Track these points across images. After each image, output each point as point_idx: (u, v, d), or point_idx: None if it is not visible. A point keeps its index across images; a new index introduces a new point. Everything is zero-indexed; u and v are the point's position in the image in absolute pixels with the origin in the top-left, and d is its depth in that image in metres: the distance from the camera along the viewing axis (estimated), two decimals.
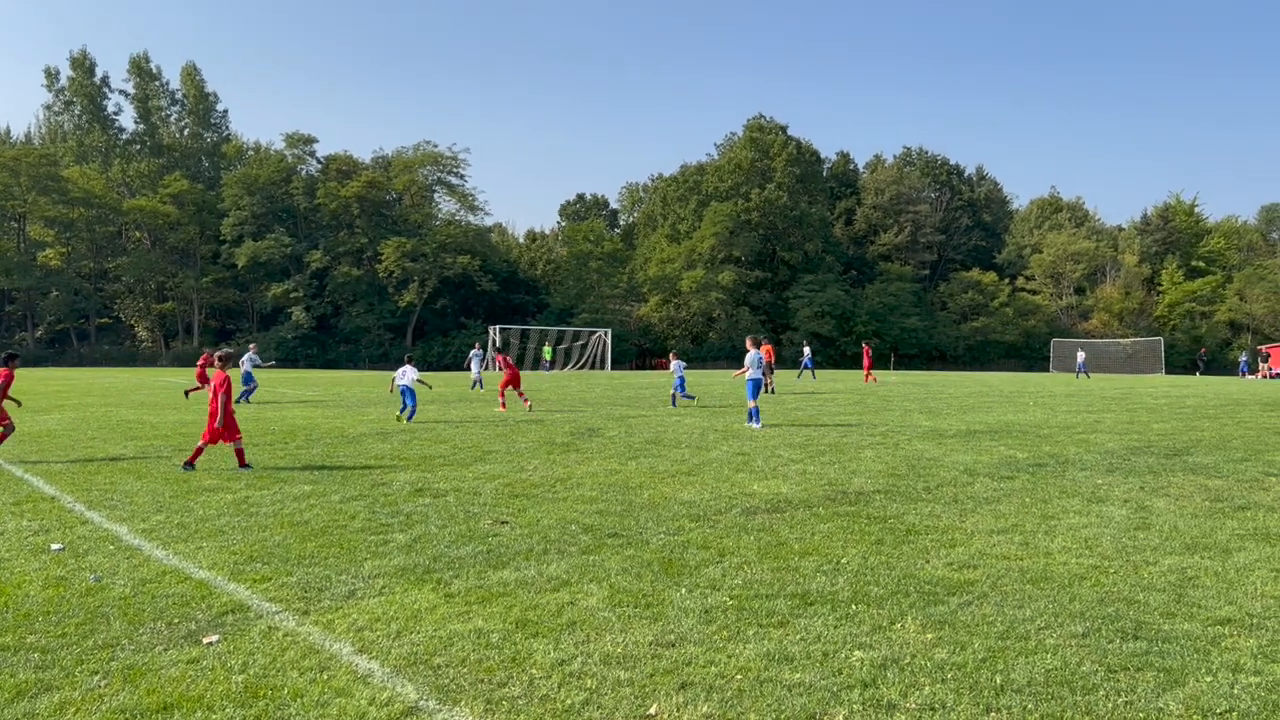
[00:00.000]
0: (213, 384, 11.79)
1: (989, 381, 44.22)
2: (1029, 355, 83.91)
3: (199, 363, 26.38)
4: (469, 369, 35.23)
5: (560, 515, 8.65)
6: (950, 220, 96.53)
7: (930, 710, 4.22)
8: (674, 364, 24.55)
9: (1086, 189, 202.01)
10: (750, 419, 17.50)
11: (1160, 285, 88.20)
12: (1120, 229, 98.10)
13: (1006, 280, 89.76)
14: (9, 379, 13.00)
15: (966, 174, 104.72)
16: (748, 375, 17.80)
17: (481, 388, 32.46)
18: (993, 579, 6.36)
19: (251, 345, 30.30)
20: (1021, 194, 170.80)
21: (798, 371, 45.21)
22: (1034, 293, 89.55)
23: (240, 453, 11.88)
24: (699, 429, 16.95)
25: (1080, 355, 55.30)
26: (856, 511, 8.83)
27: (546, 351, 59.65)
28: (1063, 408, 23.47)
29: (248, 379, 25.45)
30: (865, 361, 42.50)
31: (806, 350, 44.29)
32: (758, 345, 18.47)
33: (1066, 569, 6.66)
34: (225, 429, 11.73)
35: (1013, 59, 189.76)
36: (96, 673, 4.68)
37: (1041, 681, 4.53)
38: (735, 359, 57.89)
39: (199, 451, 11.88)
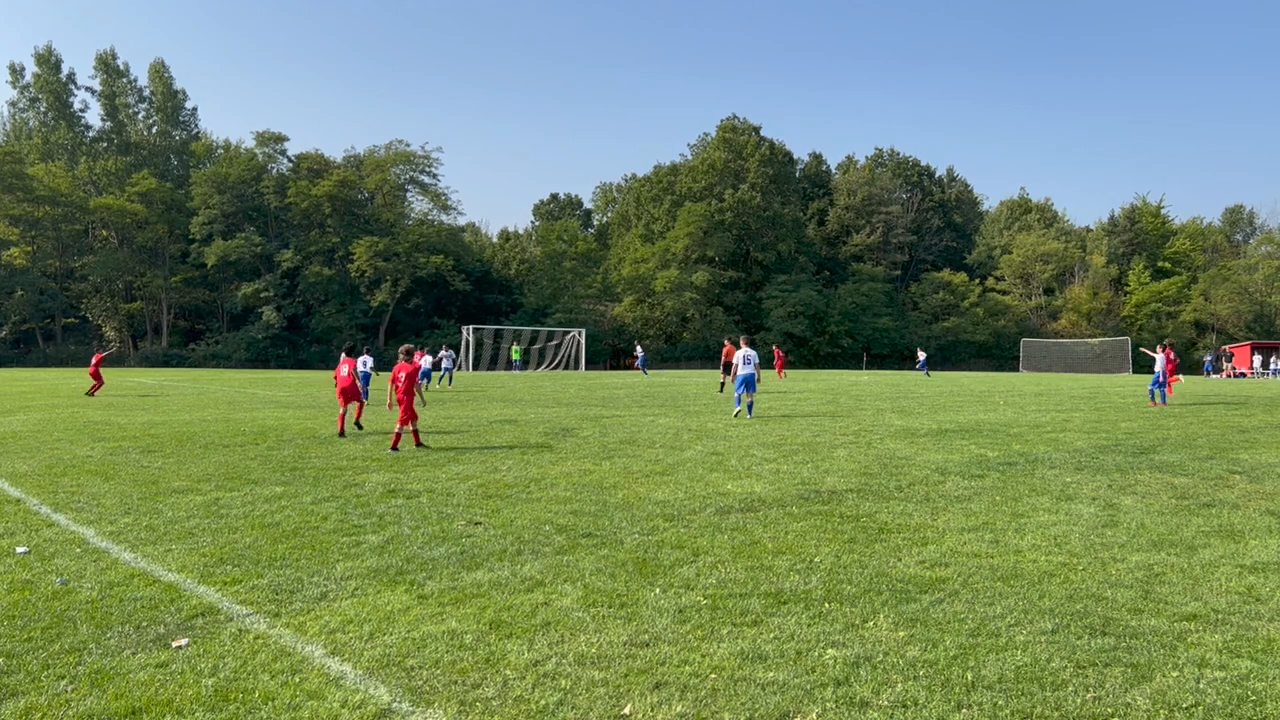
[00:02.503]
0: (402, 375, 14.03)
1: (960, 381, 44.69)
2: (999, 355, 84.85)
3: (94, 360, 29.30)
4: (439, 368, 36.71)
5: (534, 516, 8.63)
6: (921, 221, 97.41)
7: (902, 707, 4.25)
8: (423, 360, 30.15)
9: (1055, 190, 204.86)
10: (748, 410, 19.50)
11: (1127, 286, 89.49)
12: (1088, 230, 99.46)
13: (977, 281, 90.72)
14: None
15: (937, 175, 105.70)
16: (740, 372, 19.55)
17: (450, 384, 33.16)
18: (964, 577, 6.42)
19: (366, 349, 34.15)
20: (992, 195, 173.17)
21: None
22: (1004, 293, 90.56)
23: (416, 434, 14.09)
24: (673, 429, 16.98)
25: (921, 355, 57.07)
26: (829, 510, 8.89)
27: (515, 352, 59.88)
28: (1032, 407, 23.74)
29: (365, 379, 29.18)
30: (777, 361, 46.42)
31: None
32: (752, 345, 20.51)
33: (1036, 566, 6.73)
34: (407, 411, 13.88)
35: (983, 61, 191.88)
36: (63, 677, 4.61)
37: (1012, 678, 4.58)
38: (709, 359, 58.48)
39: (399, 436, 13.81)
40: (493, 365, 63.26)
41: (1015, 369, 76.68)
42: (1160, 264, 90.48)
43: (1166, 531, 7.94)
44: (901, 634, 5.21)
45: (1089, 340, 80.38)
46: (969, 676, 4.59)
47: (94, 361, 29.24)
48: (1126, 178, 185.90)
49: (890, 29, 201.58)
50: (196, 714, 4.19)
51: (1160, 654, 4.90)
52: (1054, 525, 8.21)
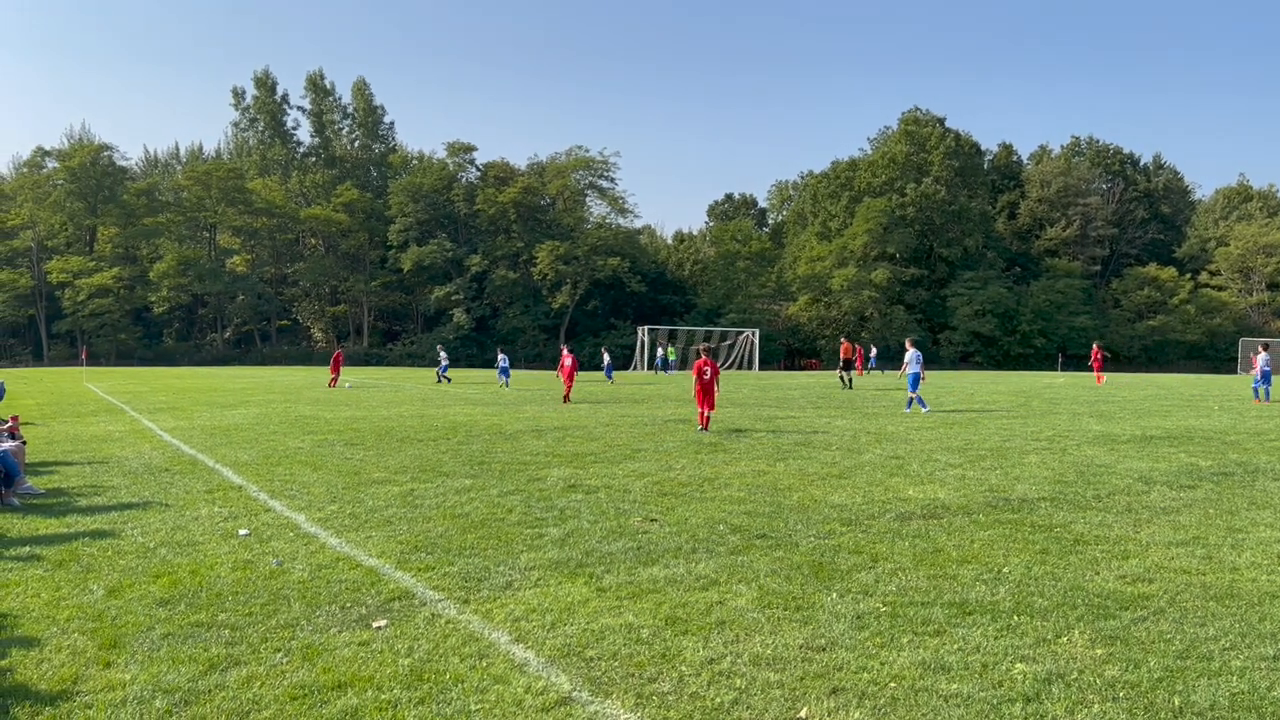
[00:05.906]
0: (707, 368, 16.25)
1: (1167, 384, 41.37)
2: (1213, 356, 77.98)
3: (334, 358, 35.98)
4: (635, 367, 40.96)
5: (708, 515, 8.67)
6: (1124, 213, 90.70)
7: None
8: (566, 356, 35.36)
9: None
10: (922, 405, 20.89)
11: None
12: None
13: (1188, 276, 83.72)
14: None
15: (1142, 163, 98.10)
16: (908, 370, 21.33)
17: (637, 374, 34.19)
18: (1170, 594, 5.96)
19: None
20: (1205, 183, 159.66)
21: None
22: (1219, 289, 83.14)
23: (708, 419, 16.38)
24: (850, 431, 16.62)
25: (873, 350, 55.48)
26: (1019, 519, 8.46)
27: (671, 352, 60.10)
28: (1251, 413, 21.70)
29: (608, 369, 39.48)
30: (857, 358, 48.03)
31: (874, 350, 53.74)
32: (916, 345, 22.34)
33: (1256, 586, 6.17)
34: (709, 400, 16.31)
35: (1190, 44, 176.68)
36: (279, 650, 5.03)
37: (1226, 705, 4.22)
38: (890, 358, 57.06)
39: (705, 419, 16.36)
40: (666, 366, 63.97)
41: (1232, 371, 70.28)
42: None
43: None
44: (1099, 651, 4.91)
45: None
46: (1176, 701, 4.27)
47: (334, 359, 35.56)
48: None
49: (1081, 13, 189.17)
50: (395, 691, 4.47)
51: None
52: (1277, 542, 7.48)
